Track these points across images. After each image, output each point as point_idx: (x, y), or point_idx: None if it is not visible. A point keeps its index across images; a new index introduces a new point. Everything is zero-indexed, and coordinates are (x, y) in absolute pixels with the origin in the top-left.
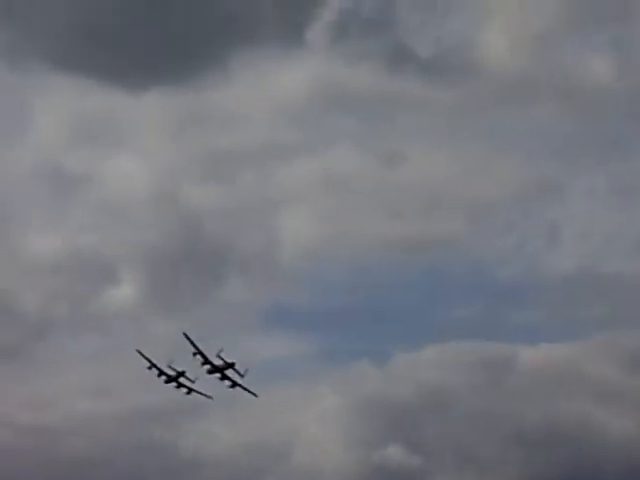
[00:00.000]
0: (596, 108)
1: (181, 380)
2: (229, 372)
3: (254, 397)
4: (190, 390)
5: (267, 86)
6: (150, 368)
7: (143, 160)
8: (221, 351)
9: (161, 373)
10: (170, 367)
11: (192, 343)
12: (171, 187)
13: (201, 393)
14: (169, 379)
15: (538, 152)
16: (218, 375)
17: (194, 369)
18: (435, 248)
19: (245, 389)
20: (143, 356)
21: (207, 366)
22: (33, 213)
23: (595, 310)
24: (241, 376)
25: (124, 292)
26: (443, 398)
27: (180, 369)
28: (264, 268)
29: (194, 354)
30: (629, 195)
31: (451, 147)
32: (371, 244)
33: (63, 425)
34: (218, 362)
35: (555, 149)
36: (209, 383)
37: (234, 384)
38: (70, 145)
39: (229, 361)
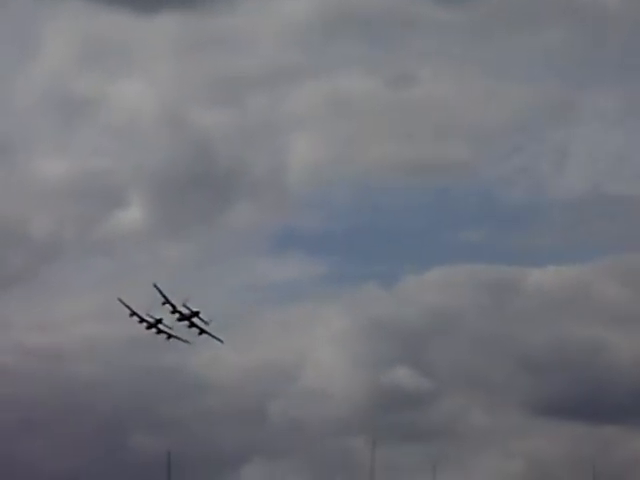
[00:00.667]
0: (606, 30)
1: (160, 327)
2: (196, 320)
3: (221, 339)
4: (170, 336)
5: (275, 9)
6: (131, 315)
7: (152, 83)
8: (187, 300)
9: (141, 320)
10: (148, 315)
11: (161, 293)
12: (180, 111)
13: (179, 338)
14: (149, 326)
15: (548, 74)
16: (187, 323)
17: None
18: (443, 171)
19: (212, 336)
20: (124, 304)
21: (176, 315)
22: (41, 137)
23: (604, 232)
24: (206, 323)
25: (133, 215)
26: (451, 320)
27: (158, 317)
28: (272, 191)
29: (163, 303)
30: (637, 117)
31: (461, 70)
32: (379, 167)
33: (71, 348)
34: (185, 311)
35: (565, 71)
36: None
37: (202, 331)
38: (79, 68)
39: (194, 310)
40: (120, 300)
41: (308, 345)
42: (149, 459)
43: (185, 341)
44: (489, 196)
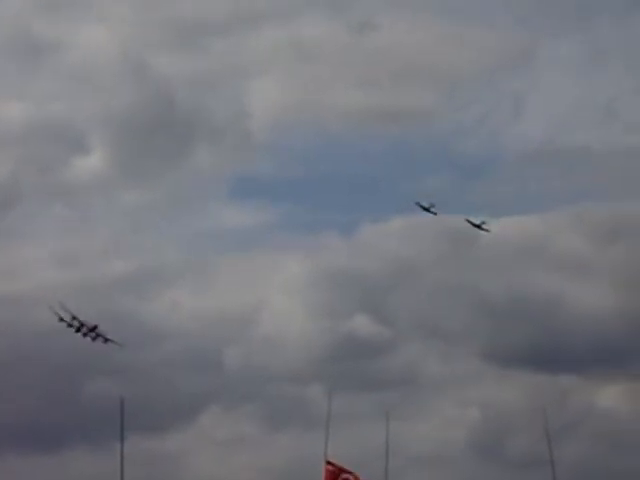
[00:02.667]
0: None
1: (97, 331)
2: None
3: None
4: (106, 339)
5: None
6: (62, 321)
7: (112, 27)
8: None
9: (80, 325)
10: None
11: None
12: (141, 55)
13: (115, 342)
14: (88, 330)
15: (507, 21)
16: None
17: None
18: (402, 119)
19: (116, 342)
20: (57, 314)
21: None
22: (0, 82)
23: (562, 182)
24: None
25: (93, 161)
26: (410, 270)
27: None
28: (233, 137)
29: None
30: (597, 64)
31: (422, 17)
32: (340, 114)
33: (30, 295)
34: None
35: (524, 19)
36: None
37: (106, 340)
38: (37, 12)
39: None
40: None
41: (266, 293)
42: (103, 406)
43: (119, 344)
44: (447, 145)
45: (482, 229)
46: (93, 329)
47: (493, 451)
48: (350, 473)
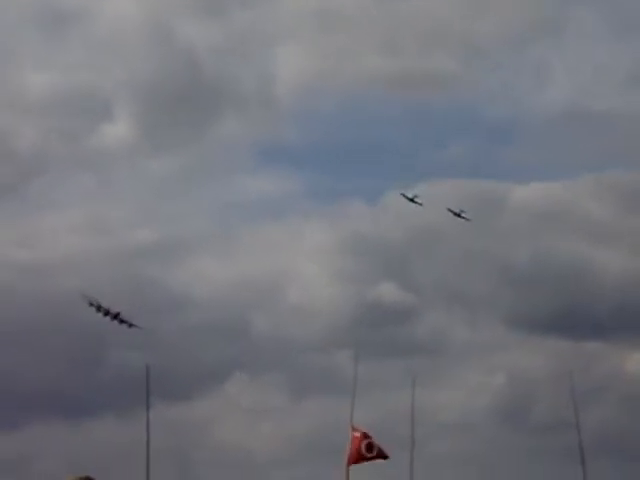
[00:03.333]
0: None
1: (121, 317)
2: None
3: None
4: (131, 324)
5: None
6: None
7: None
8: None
9: (106, 313)
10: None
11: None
12: (166, 23)
13: (137, 326)
14: (112, 317)
15: None
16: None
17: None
18: (428, 85)
19: (138, 326)
20: (89, 299)
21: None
22: (26, 51)
23: (587, 148)
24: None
25: (119, 130)
26: (435, 236)
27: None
28: (259, 105)
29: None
30: (621, 31)
31: None
32: (366, 80)
33: (57, 263)
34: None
35: None
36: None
37: (130, 324)
38: None
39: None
40: (84, 295)
41: (292, 261)
42: (129, 374)
43: (141, 328)
44: (472, 111)
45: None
46: (116, 316)
47: (518, 417)
48: (371, 438)
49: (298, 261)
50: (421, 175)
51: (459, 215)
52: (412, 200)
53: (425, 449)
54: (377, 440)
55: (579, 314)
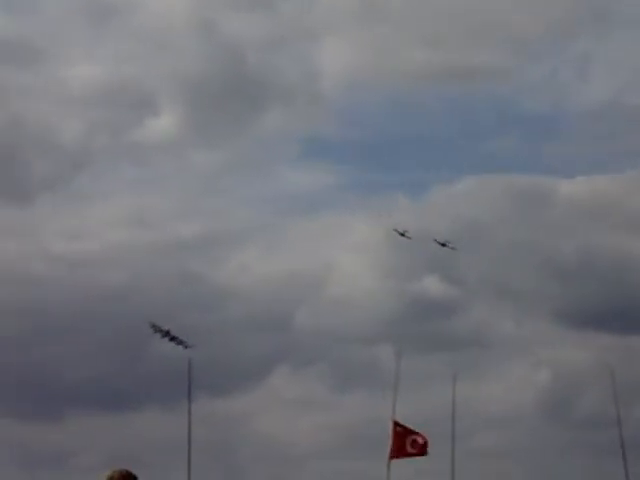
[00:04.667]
0: None
1: (171, 334)
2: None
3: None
4: (180, 342)
5: None
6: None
7: None
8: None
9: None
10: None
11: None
12: (211, 16)
13: (186, 343)
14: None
15: None
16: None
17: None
18: (471, 79)
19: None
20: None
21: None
22: (71, 43)
23: (631, 142)
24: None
25: (164, 122)
26: (479, 230)
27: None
28: (303, 99)
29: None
30: None
31: None
32: (411, 74)
33: (100, 255)
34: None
35: None
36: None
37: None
38: None
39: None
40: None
41: (335, 254)
42: (173, 367)
43: (189, 345)
44: (517, 105)
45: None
46: (167, 333)
47: (562, 412)
48: (417, 434)
49: (341, 255)
50: (466, 169)
51: (444, 245)
52: (402, 234)
53: (467, 444)
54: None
55: (626, 309)
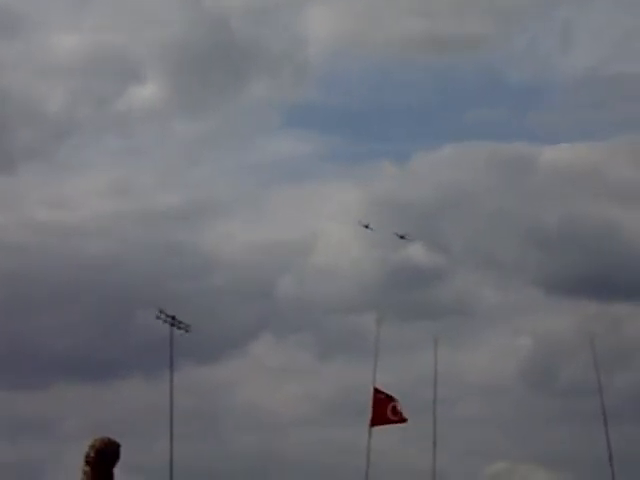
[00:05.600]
0: None
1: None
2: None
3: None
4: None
5: None
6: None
7: None
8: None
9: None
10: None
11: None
12: None
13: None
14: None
15: None
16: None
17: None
18: (457, 48)
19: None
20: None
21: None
22: (54, 12)
23: (615, 111)
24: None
25: (148, 91)
26: (463, 198)
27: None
28: (288, 68)
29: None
30: None
31: None
32: (395, 43)
33: (84, 225)
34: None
35: None
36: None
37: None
38: None
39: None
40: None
41: (318, 222)
42: (154, 336)
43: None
44: (501, 73)
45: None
46: (173, 318)
47: (544, 380)
48: (397, 402)
49: (325, 223)
50: (450, 137)
51: (403, 237)
52: (366, 227)
53: (449, 412)
54: (401, 403)
55: (608, 276)
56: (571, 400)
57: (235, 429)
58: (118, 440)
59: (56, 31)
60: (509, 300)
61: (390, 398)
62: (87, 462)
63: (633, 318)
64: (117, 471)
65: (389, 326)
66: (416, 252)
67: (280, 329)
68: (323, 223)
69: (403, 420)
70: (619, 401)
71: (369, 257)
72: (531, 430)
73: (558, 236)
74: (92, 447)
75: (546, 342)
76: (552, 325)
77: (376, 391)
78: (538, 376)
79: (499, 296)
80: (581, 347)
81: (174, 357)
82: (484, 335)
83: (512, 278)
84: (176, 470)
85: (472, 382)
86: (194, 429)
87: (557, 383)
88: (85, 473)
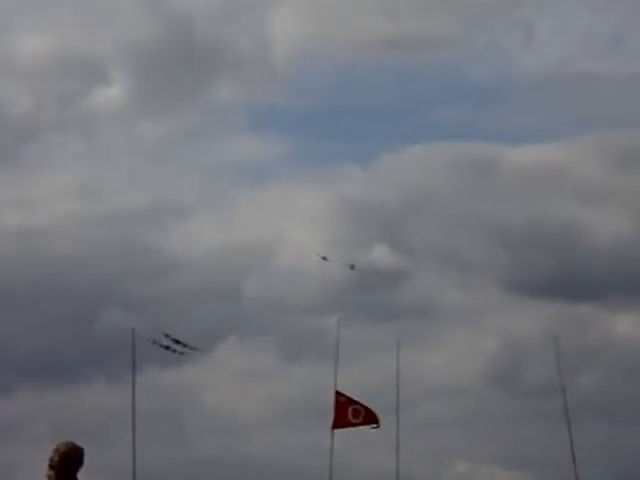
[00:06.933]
0: None
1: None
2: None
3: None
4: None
5: None
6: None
7: None
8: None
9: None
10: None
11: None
12: None
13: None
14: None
15: None
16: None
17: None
18: (420, 49)
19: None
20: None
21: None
22: (18, 13)
23: (577, 110)
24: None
25: (114, 93)
26: (427, 199)
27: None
28: (254, 69)
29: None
30: None
31: None
32: (362, 43)
33: (49, 226)
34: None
35: None
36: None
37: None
38: None
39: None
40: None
41: (283, 224)
42: (118, 338)
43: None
44: (463, 73)
45: (325, 259)
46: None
47: (509, 381)
48: (360, 405)
49: (290, 225)
50: (413, 138)
51: (324, 258)
52: (324, 258)
53: (413, 414)
54: (367, 405)
55: (573, 277)
56: (535, 401)
57: (199, 432)
58: (81, 444)
59: (19, 32)
60: (473, 301)
61: (352, 401)
62: (51, 466)
63: (597, 319)
64: (81, 476)
65: (352, 328)
66: (380, 254)
67: (245, 331)
68: (288, 225)
69: (366, 423)
70: (583, 401)
71: (335, 258)
72: (496, 431)
73: (523, 237)
74: (56, 451)
75: (511, 343)
76: (517, 326)
77: (337, 394)
78: (502, 377)
79: (463, 297)
80: (545, 348)
81: (136, 360)
82: (448, 336)
83: (476, 279)
84: (139, 473)
85: (436, 384)
86: (158, 432)
87: (521, 384)
88: (49, 477)
